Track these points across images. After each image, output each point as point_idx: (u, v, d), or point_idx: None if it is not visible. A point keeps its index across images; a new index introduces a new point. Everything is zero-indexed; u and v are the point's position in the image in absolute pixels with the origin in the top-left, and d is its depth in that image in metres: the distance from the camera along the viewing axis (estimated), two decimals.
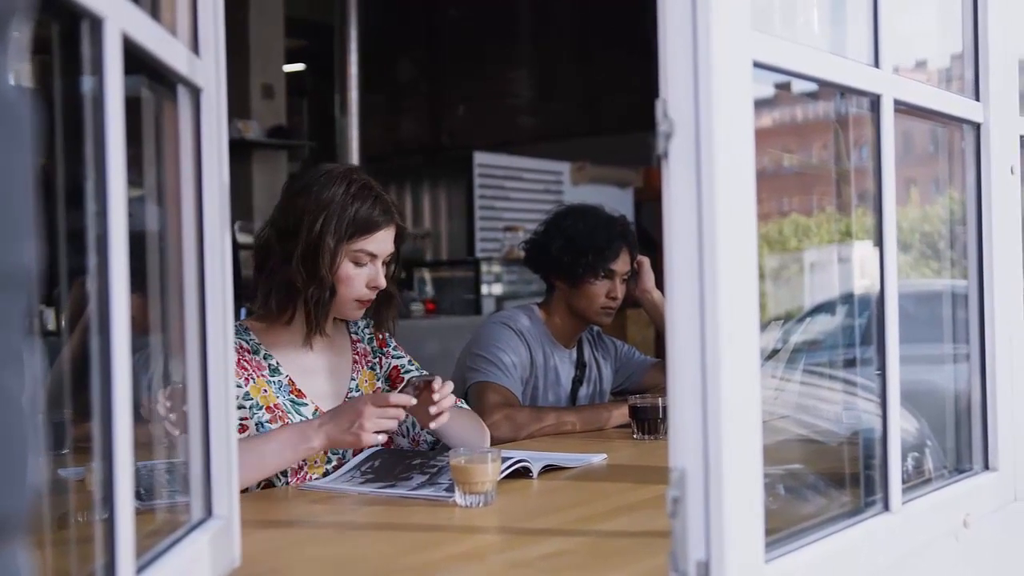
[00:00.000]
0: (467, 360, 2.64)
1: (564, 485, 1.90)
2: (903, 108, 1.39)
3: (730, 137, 1.02)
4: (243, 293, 2.42)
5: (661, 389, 2.59)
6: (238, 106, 6.57)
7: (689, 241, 1.01)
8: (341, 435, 1.81)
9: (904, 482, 1.35)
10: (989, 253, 1.58)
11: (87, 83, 0.89)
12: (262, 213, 6.31)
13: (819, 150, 1.63)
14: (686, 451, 1.01)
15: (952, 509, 1.48)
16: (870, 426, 1.38)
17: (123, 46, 0.91)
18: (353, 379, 2.12)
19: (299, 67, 8.54)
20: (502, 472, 1.76)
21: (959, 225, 1.65)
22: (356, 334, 2.18)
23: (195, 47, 1.19)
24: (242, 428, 1.91)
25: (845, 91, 1.37)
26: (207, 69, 1.21)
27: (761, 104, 1.10)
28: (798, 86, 1.31)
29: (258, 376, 1.98)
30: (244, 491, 1.79)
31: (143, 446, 1.24)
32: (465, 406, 2.26)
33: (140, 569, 0.95)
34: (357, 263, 2.00)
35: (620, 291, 2.70)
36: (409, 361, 2.22)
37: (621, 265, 2.70)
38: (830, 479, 1.46)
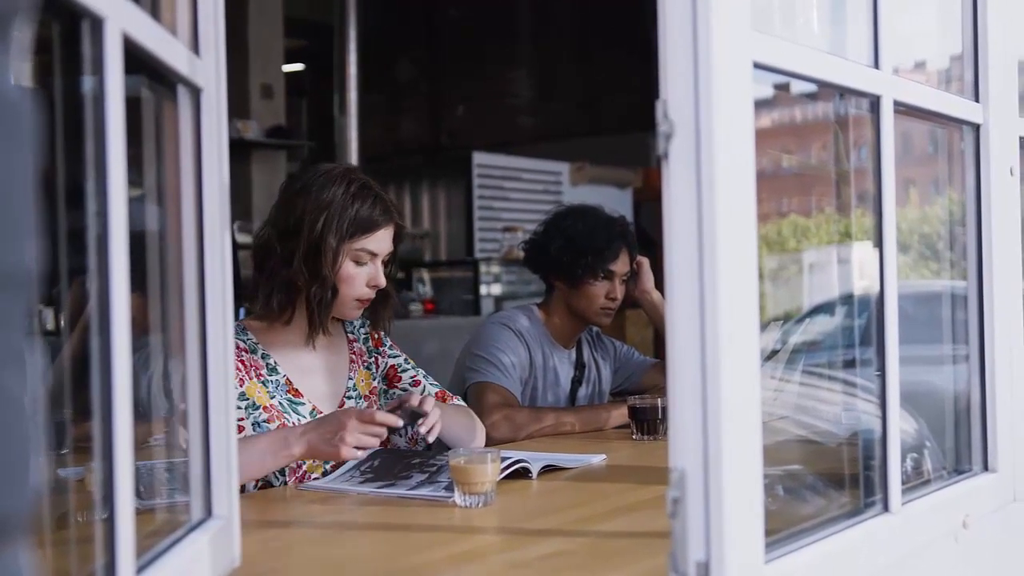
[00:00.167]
0: (466, 360, 2.64)
1: (563, 486, 1.90)
2: (903, 109, 1.39)
3: (730, 138, 1.02)
4: (242, 293, 2.42)
5: (660, 390, 2.59)
6: (237, 106, 6.57)
7: (689, 242, 1.01)
8: (322, 445, 1.78)
9: (903, 483, 1.35)
10: (989, 254, 1.58)
11: (87, 83, 0.89)
12: (261, 213, 6.30)
13: (818, 151, 1.64)
14: (686, 451, 1.01)
15: (951, 510, 1.48)
16: (869, 427, 1.38)
17: (123, 46, 0.91)
18: (350, 378, 2.13)
19: (298, 67, 8.54)
20: (501, 473, 1.76)
21: (958, 226, 1.66)
22: (352, 334, 2.18)
23: (195, 47, 1.19)
24: (238, 429, 1.91)
25: (845, 92, 1.37)
26: (207, 69, 1.21)
27: (760, 105, 1.10)
28: (797, 87, 1.31)
29: (255, 376, 1.98)
30: (241, 491, 1.79)
31: (143, 447, 1.24)
32: (461, 402, 2.27)
33: (140, 569, 0.95)
34: (358, 262, 2.00)
35: (619, 292, 2.70)
36: (405, 359, 2.23)
37: (621, 266, 2.70)
38: (830, 480, 1.46)
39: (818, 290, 1.64)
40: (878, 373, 1.34)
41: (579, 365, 2.81)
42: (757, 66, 1.08)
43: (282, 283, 1.99)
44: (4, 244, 0.57)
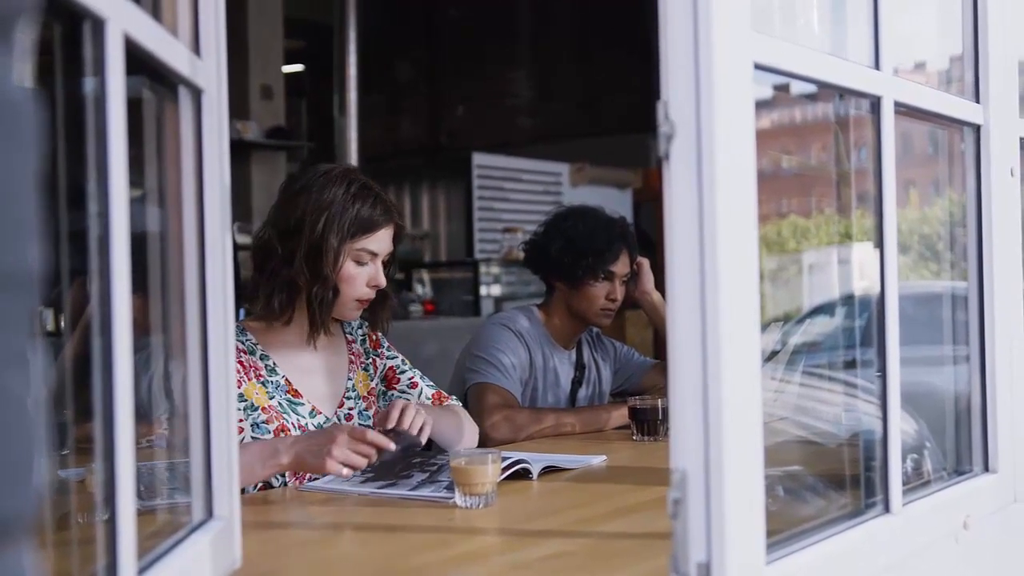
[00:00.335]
0: (466, 361, 2.64)
1: (564, 487, 1.90)
2: (903, 110, 1.39)
3: (731, 138, 1.02)
4: (241, 294, 2.42)
5: (660, 390, 2.59)
6: (237, 107, 6.56)
7: (690, 242, 1.01)
8: (309, 457, 1.77)
9: (904, 484, 1.35)
10: (989, 255, 1.58)
11: (89, 84, 0.89)
12: (261, 214, 6.29)
13: (818, 152, 1.64)
14: (687, 452, 1.01)
15: (952, 511, 1.48)
16: (870, 428, 1.38)
17: (125, 47, 0.91)
18: (350, 379, 2.13)
19: (298, 68, 8.54)
20: (502, 473, 1.76)
21: (958, 227, 1.66)
22: (351, 335, 2.19)
23: (196, 48, 1.19)
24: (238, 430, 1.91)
25: (846, 93, 1.37)
26: (208, 70, 1.21)
27: (761, 105, 1.10)
28: (797, 87, 1.31)
29: (254, 377, 1.99)
30: (241, 492, 1.79)
31: (143, 447, 1.24)
32: (456, 402, 2.27)
33: (142, 570, 0.95)
34: (359, 262, 2.01)
35: (620, 293, 2.70)
36: (403, 360, 2.23)
37: (621, 267, 2.70)
38: (830, 481, 1.46)
39: (818, 291, 1.64)
40: (879, 374, 1.34)
41: (579, 366, 2.81)
42: (758, 67, 1.08)
43: (283, 283, 1.99)
44: (6, 245, 0.57)
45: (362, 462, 1.76)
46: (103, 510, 0.89)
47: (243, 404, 1.94)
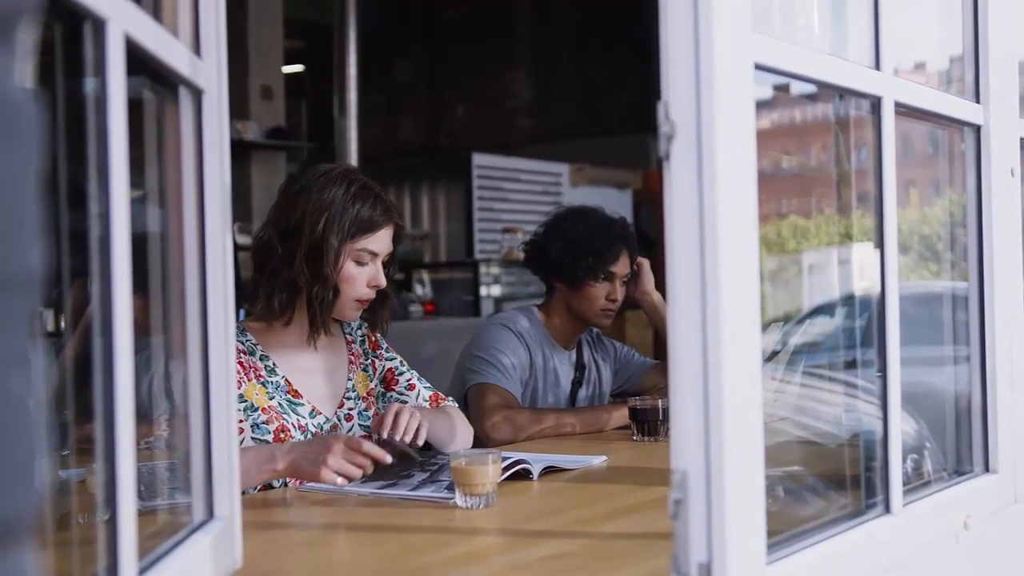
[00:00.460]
0: (466, 362, 2.64)
1: (564, 487, 1.90)
2: (903, 110, 1.39)
3: (731, 139, 1.02)
4: (242, 294, 2.42)
5: (660, 391, 2.59)
6: (237, 107, 6.56)
7: (690, 243, 1.01)
8: (305, 464, 1.77)
9: (904, 484, 1.35)
10: (989, 255, 1.58)
11: (89, 84, 0.89)
12: (261, 214, 6.29)
13: (819, 152, 1.64)
14: (688, 452, 1.01)
15: (953, 511, 1.48)
16: (870, 428, 1.38)
17: (125, 47, 0.91)
18: (350, 379, 2.13)
19: (298, 68, 8.54)
20: (502, 474, 1.76)
21: (958, 227, 1.66)
22: (350, 335, 2.19)
23: (197, 48, 1.20)
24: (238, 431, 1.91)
25: (846, 93, 1.37)
26: (209, 70, 1.21)
27: (761, 105, 1.10)
28: (797, 87, 1.31)
29: (254, 377, 1.99)
30: (242, 492, 1.79)
31: (144, 447, 1.24)
32: (453, 403, 2.27)
33: (142, 570, 0.95)
34: (359, 262, 2.01)
35: (620, 293, 2.70)
36: (401, 362, 2.24)
37: (621, 267, 2.70)
38: (831, 481, 1.46)
39: (818, 291, 1.64)
40: (879, 374, 1.34)
41: (579, 366, 2.81)
42: (758, 67, 1.08)
43: (283, 284, 1.99)
44: (7, 246, 0.57)
45: (357, 472, 1.76)
46: (104, 510, 0.89)
47: (243, 405, 1.94)
